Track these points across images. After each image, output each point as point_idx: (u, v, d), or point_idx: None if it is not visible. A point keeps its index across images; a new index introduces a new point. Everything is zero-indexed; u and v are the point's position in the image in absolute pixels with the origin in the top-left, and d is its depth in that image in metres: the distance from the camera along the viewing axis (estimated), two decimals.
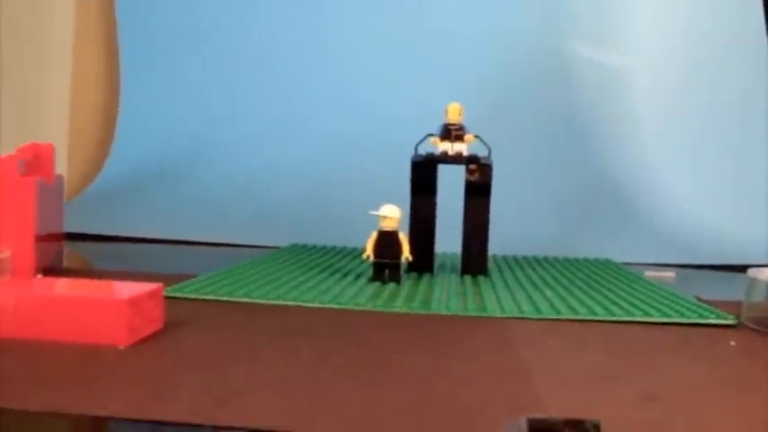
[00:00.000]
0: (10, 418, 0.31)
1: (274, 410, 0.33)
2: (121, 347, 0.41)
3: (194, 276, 0.64)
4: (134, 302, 0.43)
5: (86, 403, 0.32)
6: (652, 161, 1.06)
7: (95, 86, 1.30)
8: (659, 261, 0.87)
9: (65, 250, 0.71)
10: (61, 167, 1.14)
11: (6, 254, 0.52)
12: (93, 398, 0.33)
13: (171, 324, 0.47)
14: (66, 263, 0.71)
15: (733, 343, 0.49)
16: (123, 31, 1.27)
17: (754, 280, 0.56)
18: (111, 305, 0.42)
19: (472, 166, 0.71)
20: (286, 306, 0.55)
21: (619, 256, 0.87)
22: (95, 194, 1.15)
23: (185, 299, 0.56)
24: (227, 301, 0.56)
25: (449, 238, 0.75)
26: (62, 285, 0.48)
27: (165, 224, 0.99)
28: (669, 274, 0.78)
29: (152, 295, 0.45)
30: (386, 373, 0.39)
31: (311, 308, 0.55)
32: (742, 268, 0.59)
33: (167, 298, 0.53)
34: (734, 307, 0.57)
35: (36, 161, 0.63)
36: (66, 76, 1.27)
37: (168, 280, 0.59)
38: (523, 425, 0.29)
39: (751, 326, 0.54)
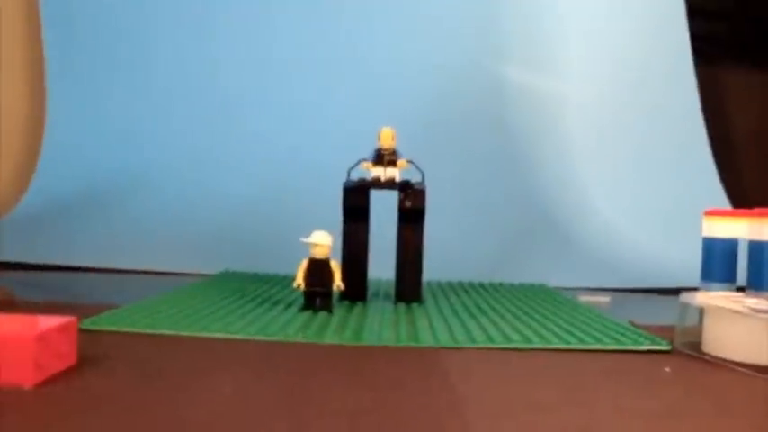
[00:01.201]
0: None
1: None
2: (27, 387, 0.38)
3: (116, 307, 0.60)
4: (42, 338, 0.40)
5: None
6: (586, 185, 1.07)
7: (18, 108, 1.25)
8: (594, 285, 0.87)
9: None
10: None
11: None
12: None
13: (85, 360, 0.44)
14: None
15: (667, 369, 0.49)
16: (50, 51, 1.23)
17: (686, 305, 0.56)
18: (17, 341, 0.39)
19: (406, 192, 0.70)
20: (210, 338, 0.53)
21: (554, 281, 0.87)
22: (18, 220, 1.10)
23: (103, 332, 0.53)
24: (147, 333, 0.53)
25: (382, 264, 0.73)
26: None
27: (92, 252, 0.95)
28: (604, 298, 0.78)
29: (63, 329, 0.42)
30: (313, 411, 0.37)
31: (237, 340, 0.53)
32: (675, 291, 0.59)
33: (84, 331, 0.51)
34: (668, 331, 0.57)
35: None
36: None
37: (89, 311, 0.56)
38: None
39: (685, 351, 0.53)
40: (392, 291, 0.72)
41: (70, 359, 0.43)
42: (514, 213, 1.03)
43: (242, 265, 0.89)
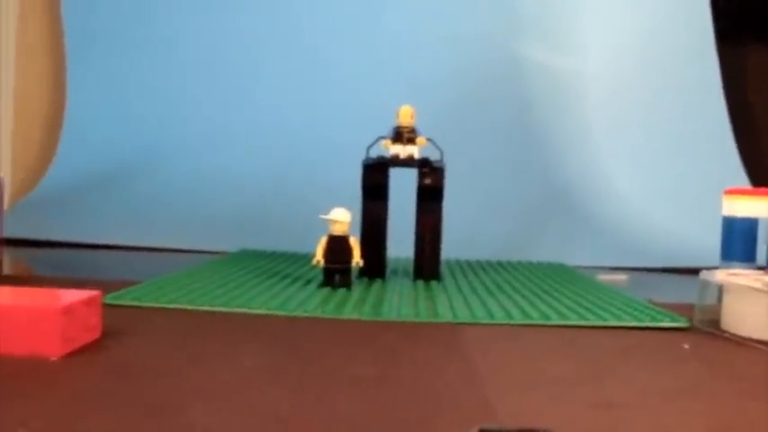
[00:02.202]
0: None
1: (209, 424, 0.31)
2: (54, 358, 0.39)
3: (138, 283, 0.61)
4: (69, 311, 0.40)
5: (4, 421, 0.30)
6: (605, 165, 1.06)
7: (40, 90, 1.26)
8: (612, 264, 0.87)
9: (5, 257, 0.68)
10: (4, 171, 1.11)
11: None
12: (16, 414, 0.31)
13: (109, 333, 0.45)
14: (5, 270, 0.68)
15: (686, 346, 0.49)
16: (69, 33, 1.23)
17: (706, 282, 0.56)
18: (44, 314, 0.40)
19: (425, 170, 0.70)
20: (231, 313, 0.53)
21: (572, 260, 0.87)
22: (39, 200, 1.11)
23: (126, 306, 0.54)
24: (169, 308, 0.54)
25: (401, 243, 0.73)
26: None
27: (112, 230, 0.96)
28: (622, 277, 0.78)
29: (89, 303, 0.43)
30: (333, 383, 0.38)
31: (257, 315, 0.53)
32: (694, 271, 0.59)
33: (107, 306, 0.51)
34: (687, 310, 0.57)
35: None
36: (10, 78, 1.23)
37: (111, 287, 0.57)
38: None
39: (704, 329, 0.53)
40: (411, 268, 0.73)
41: (95, 332, 0.44)
42: (533, 192, 1.02)
43: (261, 243, 0.90)
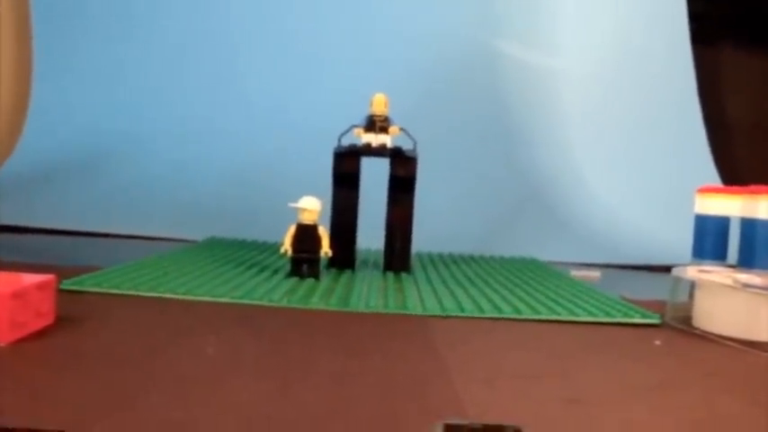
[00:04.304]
0: None
1: (167, 416, 0.29)
2: (1, 345, 0.37)
3: (99, 269, 0.59)
4: (19, 295, 0.38)
5: None
6: (578, 161, 1.06)
7: (6, 73, 1.23)
8: (584, 261, 0.87)
9: None
10: None
11: None
12: None
13: (64, 320, 0.43)
14: None
15: (658, 342, 0.48)
16: (37, 16, 1.20)
17: (678, 279, 0.55)
18: None
19: (396, 160, 0.69)
20: (195, 301, 0.52)
21: (544, 256, 0.87)
22: (2, 185, 1.08)
23: (85, 293, 0.52)
24: (131, 295, 0.52)
25: (371, 234, 0.72)
26: None
27: (76, 217, 0.93)
28: (594, 273, 0.77)
29: (41, 287, 0.41)
30: (298, 374, 0.36)
31: (222, 303, 0.52)
32: (666, 269, 0.59)
33: (65, 292, 0.50)
34: (658, 307, 0.56)
35: None
36: None
37: (71, 273, 0.55)
38: (440, 431, 0.27)
39: (675, 325, 0.53)
40: (381, 260, 0.71)
41: (48, 318, 0.42)
42: (506, 186, 1.02)
43: (229, 231, 0.88)
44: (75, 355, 0.37)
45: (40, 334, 0.40)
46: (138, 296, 0.52)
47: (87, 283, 0.53)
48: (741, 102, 1.22)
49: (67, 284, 0.52)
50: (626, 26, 1.14)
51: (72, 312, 0.44)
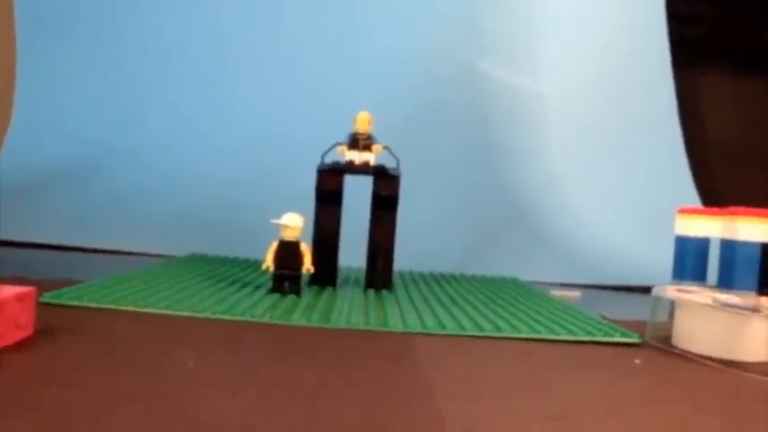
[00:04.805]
0: None
1: (145, 426, 0.29)
2: None
3: (79, 283, 0.59)
4: None
5: None
6: (561, 181, 1.06)
7: None
8: (565, 281, 0.87)
9: None
10: None
11: None
12: None
13: (43, 332, 0.42)
14: None
15: (638, 361, 0.48)
16: (22, 26, 1.20)
17: (658, 299, 0.56)
18: None
19: (378, 179, 0.69)
20: (176, 316, 0.51)
21: (526, 276, 0.87)
22: None
23: (65, 306, 0.51)
24: (111, 309, 0.52)
25: (353, 252, 0.72)
26: None
27: (56, 230, 0.93)
28: (575, 293, 0.78)
29: (20, 299, 0.41)
30: (277, 389, 0.36)
31: (203, 318, 0.51)
32: (646, 289, 0.59)
33: (44, 305, 0.49)
34: (638, 327, 0.57)
35: None
36: None
37: (51, 287, 0.54)
38: None
39: (655, 344, 0.53)
40: (362, 279, 0.71)
41: (27, 330, 0.41)
42: (488, 207, 1.02)
43: (211, 248, 0.88)
44: (52, 367, 0.37)
45: (19, 345, 0.39)
46: (118, 310, 0.52)
47: (67, 297, 0.53)
48: (721, 125, 1.24)
49: (47, 297, 0.51)
50: (609, 49, 1.16)
51: (51, 325, 0.44)
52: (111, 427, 0.29)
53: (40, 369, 0.37)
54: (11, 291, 0.40)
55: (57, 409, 0.30)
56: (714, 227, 0.62)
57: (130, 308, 0.52)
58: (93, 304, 0.52)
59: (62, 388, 0.34)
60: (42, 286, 0.46)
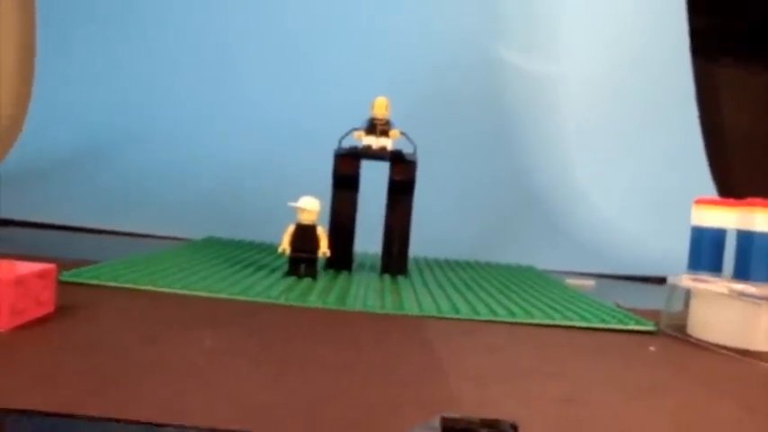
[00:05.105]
0: None
1: (162, 399, 0.30)
2: (1, 331, 0.37)
3: (98, 262, 0.60)
4: (20, 282, 0.39)
5: None
6: (577, 169, 1.06)
7: (6, 63, 1.23)
8: (580, 270, 0.87)
9: None
10: None
11: None
12: None
13: (63, 309, 0.43)
14: None
15: (652, 348, 0.48)
16: (44, 11, 1.20)
17: (673, 288, 0.56)
18: None
19: (395, 163, 0.69)
20: (192, 296, 0.52)
21: (540, 264, 0.87)
22: (3, 178, 1.08)
23: (84, 284, 0.52)
24: (128, 288, 0.52)
25: (369, 237, 0.72)
26: None
27: (75, 212, 0.94)
28: (589, 282, 0.78)
29: (42, 276, 0.41)
30: (294, 366, 0.36)
31: (219, 299, 0.52)
32: (661, 280, 0.59)
33: (64, 283, 0.50)
34: (653, 315, 0.57)
35: None
36: None
37: (70, 266, 0.55)
38: (436, 424, 0.27)
39: (670, 333, 0.53)
40: (378, 264, 0.72)
41: (48, 307, 0.42)
42: (505, 193, 1.02)
43: (228, 231, 0.88)
44: (73, 342, 0.37)
45: (40, 321, 0.40)
46: (135, 289, 0.52)
47: (86, 276, 0.53)
48: (738, 115, 1.23)
49: (67, 276, 0.52)
50: (626, 35, 1.15)
51: (71, 302, 0.45)
52: (128, 394, 0.29)
53: (61, 344, 0.37)
54: (32, 267, 0.41)
55: (77, 383, 0.31)
56: (730, 218, 0.62)
57: (148, 287, 0.53)
58: (111, 283, 0.53)
59: (82, 360, 0.34)
60: (61, 265, 0.46)
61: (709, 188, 1.06)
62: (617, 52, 1.14)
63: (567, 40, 1.14)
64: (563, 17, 1.14)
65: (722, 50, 1.25)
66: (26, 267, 0.41)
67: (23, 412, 0.27)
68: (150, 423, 0.27)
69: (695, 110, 1.14)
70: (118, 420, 0.27)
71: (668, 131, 1.12)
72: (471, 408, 0.32)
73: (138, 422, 0.27)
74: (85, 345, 0.37)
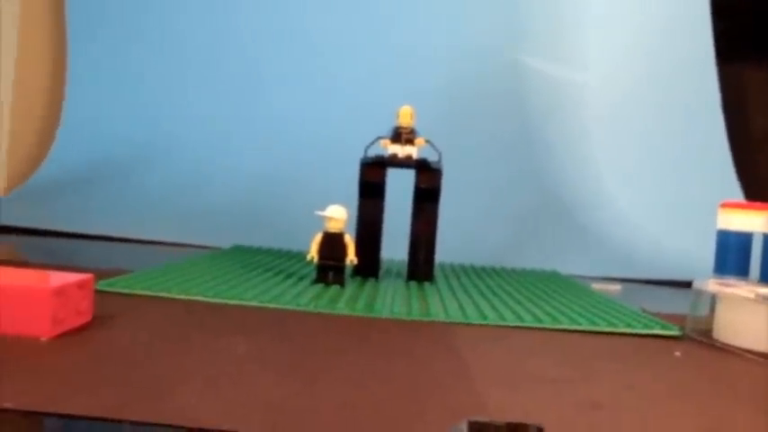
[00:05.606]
0: None
1: (197, 405, 0.31)
2: (44, 339, 0.39)
3: (131, 272, 0.61)
4: (60, 292, 0.40)
5: None
6: (602, 174, 1.06)
7: (41, 79, 1.26)
8: (605, 275, 0.87)
9: None
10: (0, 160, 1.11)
11: None
12: (4, 391, 0.31)
13: (100, 318, 0.44)
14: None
15: (678, 353, 0.49)
16: (72, 26, 1.23)
17: (699, 292, 0.56)
18: (35, 294, 0.39)
19: (421, 172, 0.70)
20: (224, 304, 0.53)
21: (566, 269, 0.87)
22: (34, 189, 1.11)
23: (118, 293, 0.53)
24: (161, 297, 0.54)
25: (395, 245, 0.73)
26: None
27: (107, 221, 0.96)
28: (615, 287, 0.78)
29: (81, 286, 0.43)
30: (324, 373, 0.37)
31: (250, 307, 0.53)
32: (687, 284, 0.59)
33: (100, 292, 0.51)
34: (678, 320, 0.57)
35: None
36: (10, 68, 1.23)
37: (104, 275, 0.57)
38: (464, 428, 0.28)
39: (696, 337, 0.53)
40: (404, 271, 0.72)
41: (86, 316, 0.43)
42: (529, 199, 1.02)
43: (255, 239, 0.90)
44: (112, 350, 0.39)
45: (79, 330, 0.41)
46: (169, 298, 0.53)
47: (121, 285, 0.55)
48: (765, 117, 1.23)
49: (102, 285, 0.53)
50: (651, 41, 1.15)
51: (107, 311, 0.46)
52: (166, 408, 0.30)
53: (101, 352, 0.38)
54: (72, 278, 0.42)
55: (117, 390, 0.32)
56: (757, 221, 0.62)
57: (181, 296, 0.54)
58: (145, 292, 0.54)
59: (121, 370, 0.35)
60: (96, 274, 0.48)
61: (735, 191, 1.06)
62: (640, 56, 1.14)
63: (591, 46, 1.14)
64: (587, 22, 1.14)
65: (747, 52, 1.24)
66: (65, 278, 0.42)
67: (68, 417, 0.28)
68: (183, 427, 0.28)
69: (720, 112, 1.14)
70: (156, 425, 0.28)
71: (693, 134, 1.12)
72: (498, 413, 0.33)
73: (171, 425, 0.28)
74: (123, 352, 0.39)
